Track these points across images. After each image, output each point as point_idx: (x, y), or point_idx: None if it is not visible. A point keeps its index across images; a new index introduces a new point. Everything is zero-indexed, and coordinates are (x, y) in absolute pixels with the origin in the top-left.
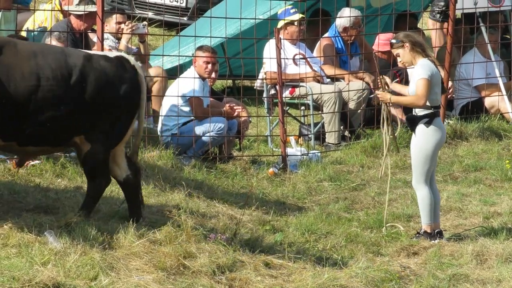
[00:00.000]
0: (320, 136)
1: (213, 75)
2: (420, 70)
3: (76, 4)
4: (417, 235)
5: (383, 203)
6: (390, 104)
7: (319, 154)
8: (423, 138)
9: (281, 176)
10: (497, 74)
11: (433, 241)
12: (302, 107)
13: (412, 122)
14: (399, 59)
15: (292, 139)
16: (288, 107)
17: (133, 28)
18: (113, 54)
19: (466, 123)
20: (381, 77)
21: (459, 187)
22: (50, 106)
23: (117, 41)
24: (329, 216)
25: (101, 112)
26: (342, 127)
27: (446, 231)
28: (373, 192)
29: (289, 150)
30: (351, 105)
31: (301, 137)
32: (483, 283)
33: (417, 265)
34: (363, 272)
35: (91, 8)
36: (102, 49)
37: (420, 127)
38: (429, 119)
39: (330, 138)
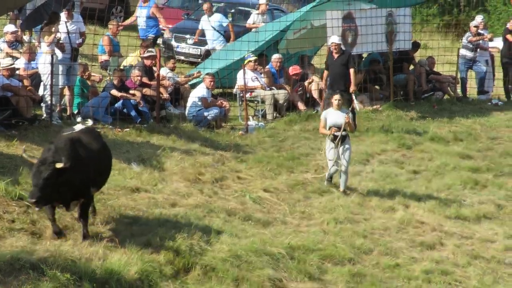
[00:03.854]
0: (264, 115)
1: (211, 86)
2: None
3: (146, 54)
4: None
5: (293, 149)
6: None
7: (263, 124)
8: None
9: (245, 135)
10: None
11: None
12: (256, 101)
13: (344, 136)
14: (335, 102)
15: (250, 117)
16: (249, 102)
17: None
18: None
19: None
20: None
21: None
22: None
23: (175, 74)
24: (269, 154)
25: None
26: (275, 112)
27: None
28: (289, 143)
29: (249, 123)
30: (280, 101)
31: (255, 116)
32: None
33: (315, 179)
34: (285, 180)
35: (152, 55)
36: (159, 76)
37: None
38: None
39: (269, 116)
